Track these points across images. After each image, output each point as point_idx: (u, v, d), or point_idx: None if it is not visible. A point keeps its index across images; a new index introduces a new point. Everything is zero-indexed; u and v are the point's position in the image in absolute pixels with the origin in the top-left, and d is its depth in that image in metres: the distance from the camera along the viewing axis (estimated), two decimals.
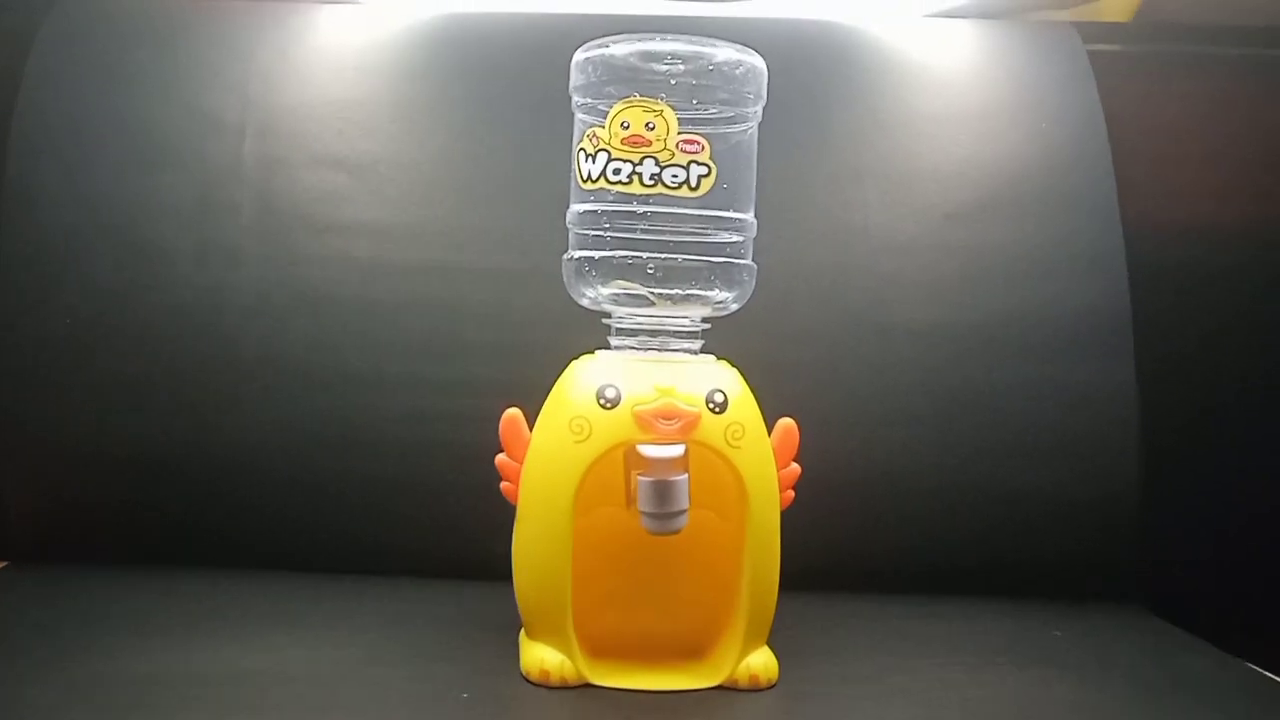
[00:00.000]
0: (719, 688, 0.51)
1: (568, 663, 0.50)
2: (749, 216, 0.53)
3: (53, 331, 0.68)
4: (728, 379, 0.52)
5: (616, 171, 0.50)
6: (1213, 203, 0.81)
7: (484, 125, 0.75)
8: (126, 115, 0.73)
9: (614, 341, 0.53)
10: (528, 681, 0.51)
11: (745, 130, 0.52)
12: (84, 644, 0.53)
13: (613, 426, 0.49)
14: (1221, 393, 0.80)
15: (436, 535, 0.69)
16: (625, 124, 0.49)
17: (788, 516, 0.53)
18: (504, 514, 0.54)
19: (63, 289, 0.69)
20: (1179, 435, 0.77)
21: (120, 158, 0.72)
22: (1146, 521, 0.71)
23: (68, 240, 0.70)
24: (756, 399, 0.53)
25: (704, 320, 0.54)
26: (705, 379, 0.51)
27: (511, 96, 0.76)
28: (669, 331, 0.52)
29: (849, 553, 0.69)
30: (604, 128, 0.50)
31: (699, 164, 0.49)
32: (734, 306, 0.53)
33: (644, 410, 0.49)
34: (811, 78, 0.78)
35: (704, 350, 0.54)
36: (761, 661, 0.52)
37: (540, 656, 0.51)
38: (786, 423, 0.54)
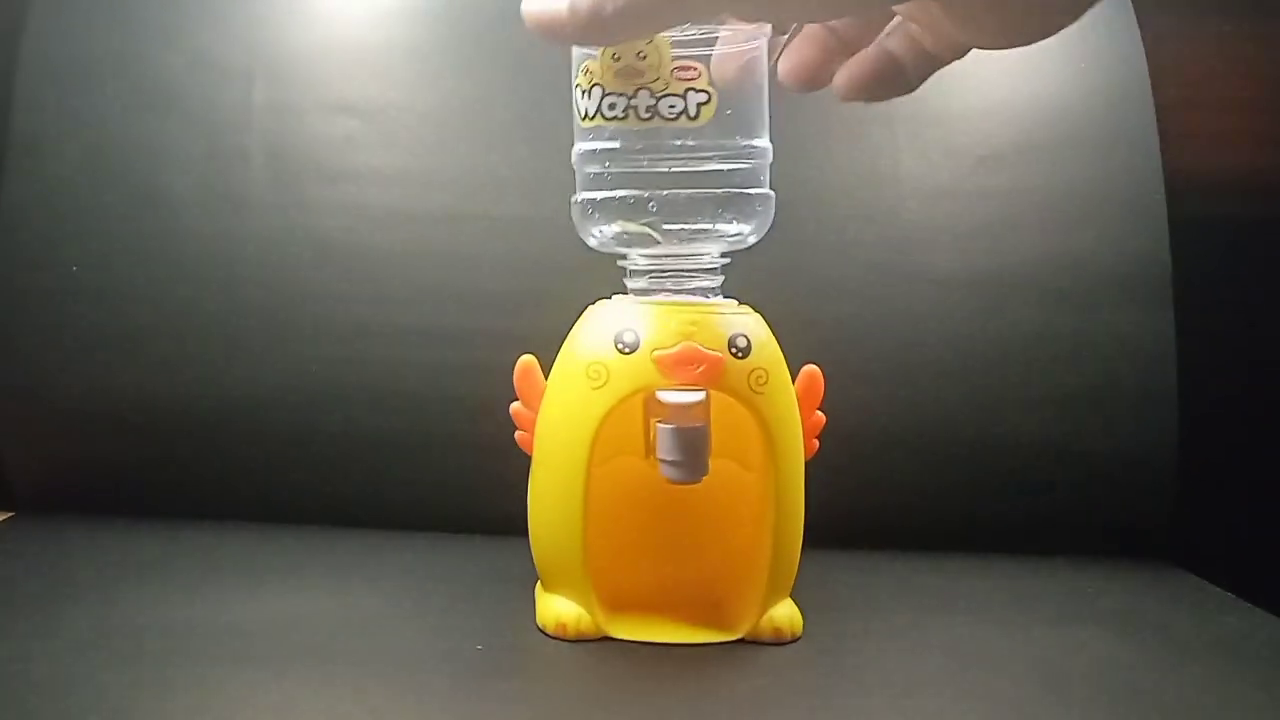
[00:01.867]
0: (741, 641, 0.50)
1: (585, 615, 0.49)
2: (760, 143, 0.50)
3: (59, 281, 0.67)
4: (751, 323, 0.50)
5: (612, 106, 0.47)
6: (1255, 148, 0.78)
7: (497, 68, 0.72)
8: (132, 62, 0.71)
9: (629, 285, 0.51)
10: (544, 634, 0.49)
11: (749, 50, 0.48)
12: (93, 595, 0.52)
13: (632, 372, 0.48)
14: (1263, 346, 0.77)
15: (450, 489, 0.67)
16: (616, 56, 0.46)
17: (810, 469, 0.51)
18: (519, 467, 0.52)
19: (69, 239, 0.68)
20: (1219, 389, 0.74)
21: (127, 105, 0.70)
22: (1184, 477, 0.69)
23: (74, 189, 0.68)
24: (781, 349, 0.51)
25: (722, 256, 0.51)
26: (727, 323, 0.49)
27: (524, 38, 0.73)
28: (685, 271, 0.50)
29: (874, 506, 0.67)
30: (596, 60, 0.47)
31: (697, 91, 0.47)
32: (752, 239, 0.50)
33: (664, 355, 0.47)
34: None
35: (725, 297, 0.52)
36: (785, 614, 0.50)
37: (557, 609, 0.49)
38: (811, 369, 0.52)
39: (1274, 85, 0.78)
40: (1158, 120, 0.71)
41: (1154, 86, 0.72)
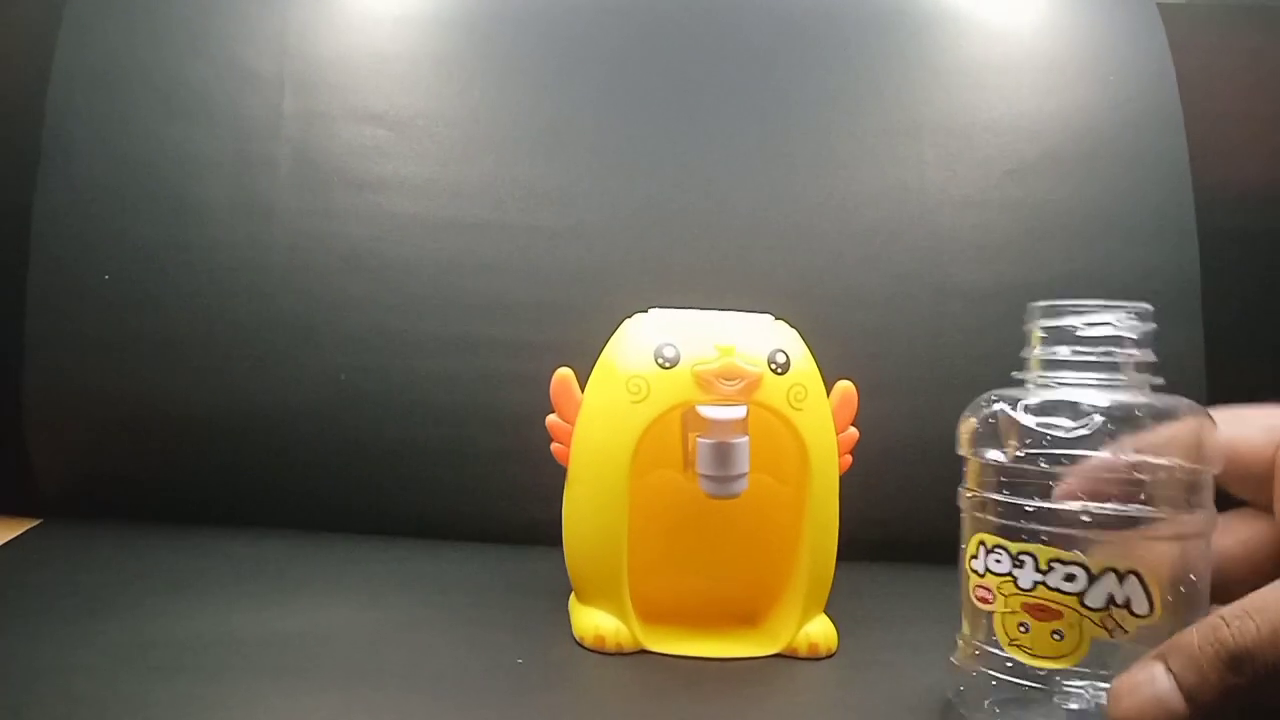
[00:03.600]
0: (778, 655, 0.50)
1: (623, 629, 0.49)
2: None
3: (90, 288, 0.67)
4: (787, 339, 0.51)
5: None
6: None
7: (525, 77, 0.73)
8: (162, 70, 0.71)
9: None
10: (582, 647, 0.49)
11: None
12: (124, 605, 0.51)
13: (672, 386, 0.48)
14: None
15: (479, 499, 0.67)
16: None
17: (843, 483, 0.51)
18: (548, 478, 0.52)
19: (99, 245, 0.68)
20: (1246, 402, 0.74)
21: (157, 113, 0.70)
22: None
23: (104, 196, 0.69)
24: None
25: None
26: (766, 339, 0.49)
27: (553, 47, 0.73)
28: None
29: (904, 521, 0.67)
30: None
31: None
32: None
33: (705, 370, 0.47)
34: (865, 27, 0.75)
35: (753, 310, 0.52)
36: (821, 629, 0.50)
37: (595, 622, 0.49)
38: (845, 385, 0.52)
39: None
40: (1187, 133, 0.72)
41: (1182, 99, 0.72)
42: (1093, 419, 0.40)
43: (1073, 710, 0.41)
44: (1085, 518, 0.39)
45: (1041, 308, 0.43)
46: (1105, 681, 0.39)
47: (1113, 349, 0.42)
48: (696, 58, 0.74)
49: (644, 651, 0.49)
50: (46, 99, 0.69)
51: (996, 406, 0.43)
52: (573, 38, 0.74)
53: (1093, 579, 0.39)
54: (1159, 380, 0.43)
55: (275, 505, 0.67)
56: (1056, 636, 0.39)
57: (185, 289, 0.68)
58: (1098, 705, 0.41)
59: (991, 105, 0.73)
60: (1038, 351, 0.43)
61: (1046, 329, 0.43)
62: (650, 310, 0.52)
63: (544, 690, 0.45)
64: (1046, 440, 0.41)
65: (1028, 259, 0.70)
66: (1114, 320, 0.42)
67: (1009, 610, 0.39)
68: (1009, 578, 0.39)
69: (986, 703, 0.42)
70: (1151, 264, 0.70)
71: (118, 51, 0.71)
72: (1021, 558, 0.39)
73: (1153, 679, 0.36)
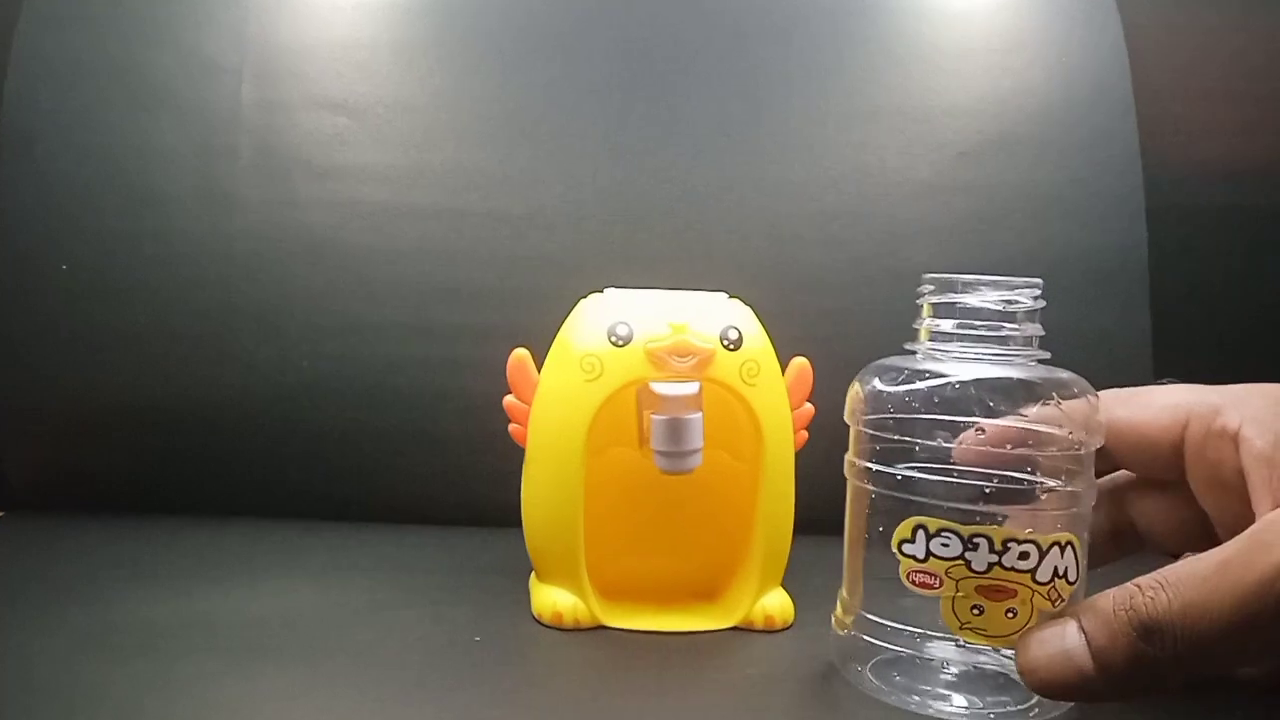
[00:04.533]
0: (734, 629, 0.51)
1: (581, 605, 0.50)
2: None
3: (50, 279, 0.67)
4: (741, 316, 0.51)
5: None
6: (1237, 140, 0.79)
7: (485, 64, 0.73)
8: (121, 60, 0.70)
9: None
10: (540, 624, 0.50)
11: None
12: (86, 593, 0.52)
13: (625, 364, 0.48)
14: (1240, 339, 0.78)
15: (443, 483, 0.68)
16: None
17: (800, 459, 0.52)
18: (511, 461, 0.53)
19: (59, 237, 0.68)
20: (1194, 380, 0.75)
21: (117, 103, 0.70)
22: None
23: (64, 188, 0.68)
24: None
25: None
26: (719, 316, 0.50)
27: (512, 32, 0.74)
28: None
29: None
30: None
31: None
32: None
33: (657, 347, 0.48)
34: (824, 12, 0.76)
35: (713, 290, 0.53)
36: (777, 603, 0.51)
37: (553, 599, 0.50)
38: (800, 361, 0.53)
39: (1257, 75, 0.78)
40: (1137, 112, 0.73)
41: (1134, 78, 0.73)
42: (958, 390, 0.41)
43: (953, 674, 0.42)
44: (988, 489, 0.40)
45: (932, 280, 0.44)
46: (945, 638, 0.41)
47: (1000, 323, 0.42)
48: (656, 43, 0.74)
49: (602, 627, 0.50)
50: (4, 90, 0.69)
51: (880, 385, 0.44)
52: (532, 24, 0.74)
53: (1043, 554, 0.40)
54: (1046, 355, 0.43)
55: (239, 493, 0.67)
56: (1010, 614, 0.40)
57: (147, 279, 0.68)
58: (975, 667, 0.42)
59: (948, 88, 0.74)
60: (926, 323, 0.44)
61: (936, 302, 0.43)
62: (606, 290, 0.53)
63: (501, 666, 0.46)
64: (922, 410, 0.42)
65: (981, 241, 0.71)
66: (1001, 294, 0.42)
67: (960, 594, 0.40)
68: (960, 561, 0.40)
69: (860, 668, 0.44)
70: (1101, 243, 0.71)
71: (77, 42, 0.71)
72: (975, 540, 0.40)
73: (1064, 634, 0.37)
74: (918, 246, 0.71)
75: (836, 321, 0.69)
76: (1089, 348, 0.70)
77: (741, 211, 0.71)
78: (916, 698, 0.41)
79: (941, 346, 0.43)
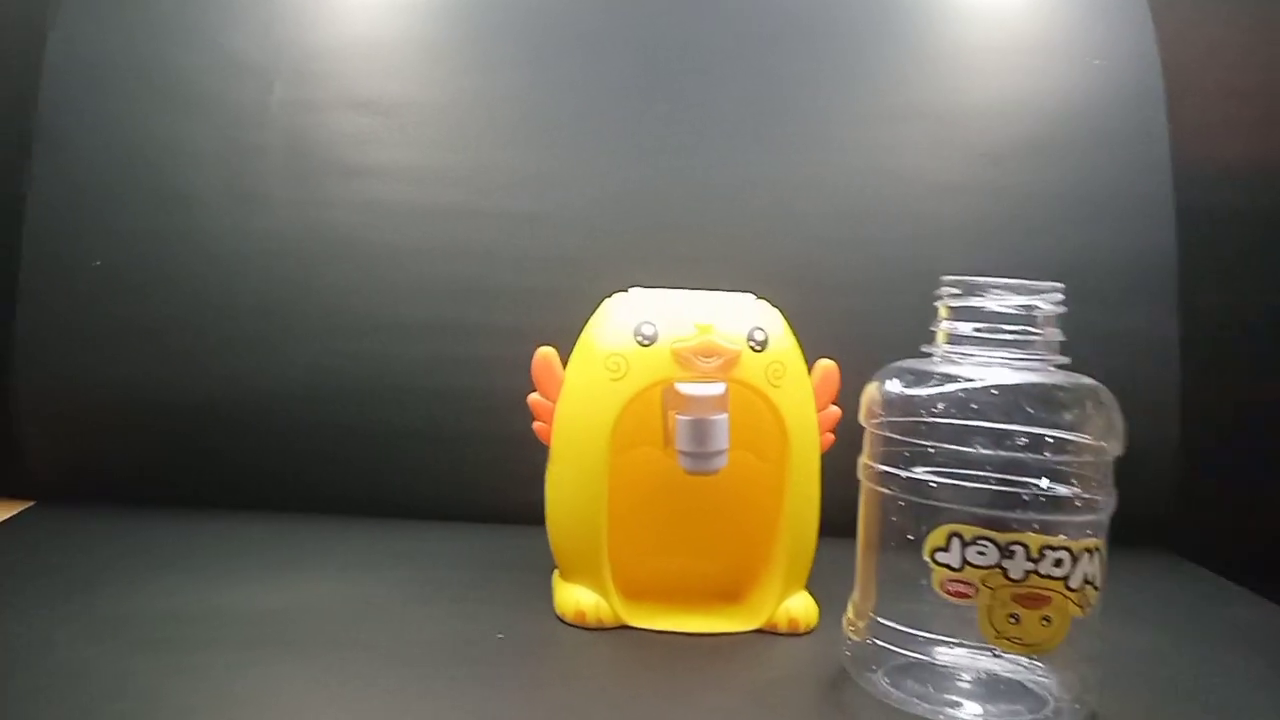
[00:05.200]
0: (757, 631, 0.50)
1: (604, 604, 0.50)
2: None
3: (81, 275, 0.68)
4: (768, 317, 0.51)
5: None
6: (1270, 143, 0.77)
7: (513, 64, 0.73)
8: (153, 60, 0.71)
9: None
10: (563, 622, 0.50)
11: None
12: (108, 583, 0.52)
13: (651, 364, 0.48)
14: (1270, 341, 0.77)
15: (463, 479, 0.68)
16: None
17: (826, 462, 0.51)
18: (531, 459, 0.53)
19: (91, 233, 0.68)
20: (1221, 380, 0.74)
21: (149, 103, 0.70)
22: (1186, 471, 0.69)
23: (95, 186, 0.69)
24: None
25: None
26: (745, 316, 0.50)
27: (537, 32, 0.74)
28: None
29: None
30: None
31: None
32: None
33: (683, 347, 0.48)
34: (850, 10, 0.75)
35: (737, 290, 0.52)
36: (801, 605, 0.51)
37: (576, 598, 0.50)
38: (827, 363, 0.53)
39: None
40: (1169, 113, 0.72)
41: (1165, 79, 0.72)
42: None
43: (966, 682, 0.42)
44: (1025, 497, 0.40)
45: (952, 282, 0.43)
46: (982, 651, 0.40)
47: (1023, 327, 0.42)
48: (681, 42, 0.74)
49: (625, 627, 0.50)
50: (39, 90, 0.70)
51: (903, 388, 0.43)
52: (559, 24, 0.74)
53: (1075, 560, 0.39)
54: (1066, 360, 0.43)
55: (262, 487, 0.68)
56: (1045, 622, 0.40)
57: (174, 277, 0.68)
58: (987, 674, 0.41)
59: (976, 89, 0.73)
60: (944, 326, 0.43)
61: (956, 305, 0.43)
62: (631, 290, 0.53)
63: (522, 664, 0.46)
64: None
65: (1009, 243, 0.70)
66: (1023, 299, 0.42)
67: (997, 603, 0.40)
68: (996, 569, 0.39)
69: (873, 673, 0.43)
70: (1131, 244, 0.71)
71: (109, 43, 0.71)
72: (1012, 548, 0.39)
73: None
74: (946, 248, 0.71)
75: (864, 323, 0.69)
76: (1118, 350, 0.69)
77: (767, 212, 0.71)
78: (930, 705, 0.41)
79: (960, 350, 0.43)
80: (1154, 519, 0.70)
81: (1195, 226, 0.71)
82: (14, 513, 0.65)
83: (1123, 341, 0.70)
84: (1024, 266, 0.70)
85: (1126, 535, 0.67)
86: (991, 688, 0.42)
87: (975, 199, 0.71)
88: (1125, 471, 0.68)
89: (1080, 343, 0.68)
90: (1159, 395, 0.70)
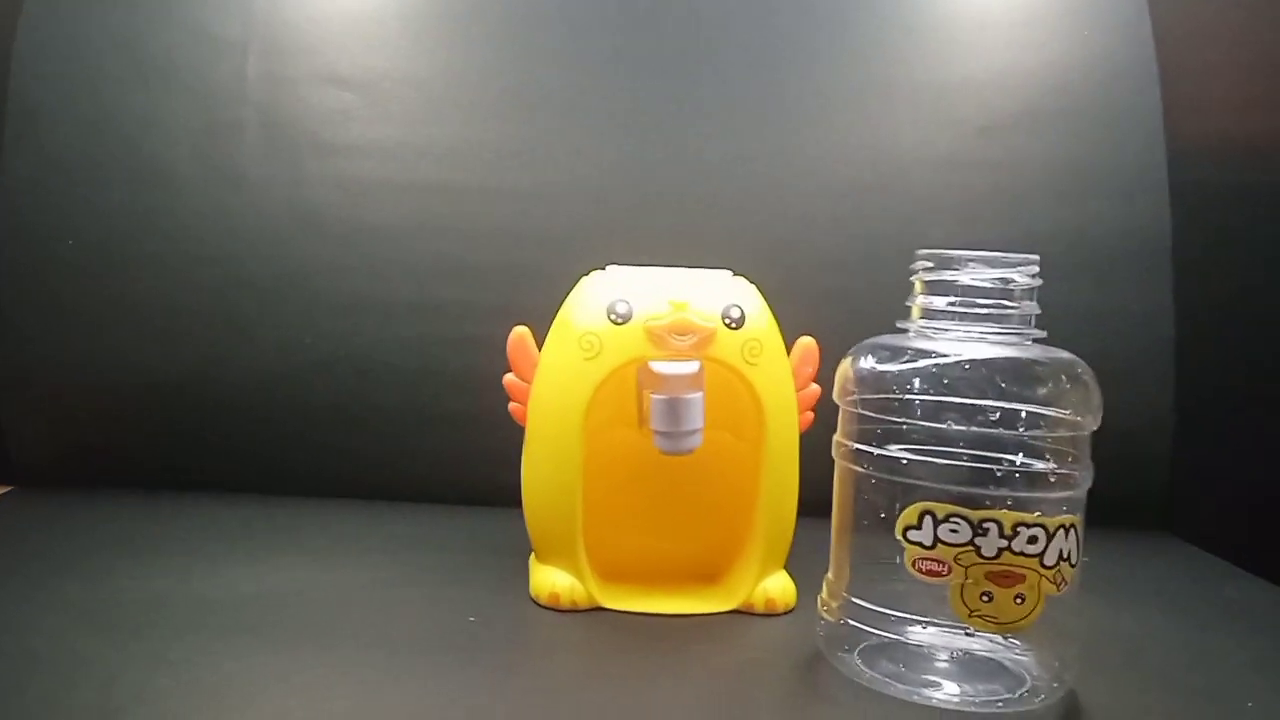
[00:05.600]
0: (734, 612, 0.50)
1: (578, 586, 0.49)
2: None
3: (56, 254, 0.67)
4: (745, 294, 0.50)
5: None
6: (1263, 118, 0.76)
7: (493, 38, 0.72)
8: (128, 35, 0.70)
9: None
10: (537, 605, 0.49)
11: None
12: (89, 568, 0.52)
13: (624, 342, 0.47)
14: (1264, 316, 0.76)
15: (444, 461, 0.67)
16: None
17: (807, 441, 0.50)
18: (513, 441, 0.52)
19: (66, 212, 0.68)
20: (1216, 359, 0.73)
21: (122, 79, 0.69)
22: (1181, 446, 0.68)
23: (71, 163, 0.68)
24: (777, 322, 0.50)
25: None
26: (721, 294, 0.49)
27: (521, 7, 0.73)
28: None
29: None
30: None
31: None
32: None
33: (656, 325, 0.47)
34: None
35: (719, 268, 0.51)
36: (779, 586, 0.50)
37: (550, 579, 0.49)
38: (806, 341, 0.52)
39: None
40: (1161, 87, 0.70)
41: (1158, 53, 0.71)
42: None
43: (943, 662, 0.41)
44: (999, 473, 0.39)
45: (926, 256, 0.42)
46: (956, 630, 0.40)
47: (999, 300, 0.41)
48: (664, 16, 0.73)
49: (600, 609, 0.49)
50: (11, 66, 0.69)
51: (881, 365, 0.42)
52: None
53: (1050, 537, 0.39)
54: (1042, 334, 0.42)
55: (242, 470, 0.67)
56: (1018, 600, 0.39)
57: (153, 255, 0.67)
58: (964, 653, 0.41)
59: (966, 62, 0.72)
60: (919, 301, 0.42)
61: (931, 279, 0.42)
62: (608, 267, 0.52)
63: (494, 647, 0.45)
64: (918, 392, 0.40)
65: (1001, 217, 0.69)
66: (998, 272, 0.41)
67: (970, 581, 0.39)
68: (969, 547, 0.39)
69: (847, 654, 0.43)
70: (1123, 219, 0.69)
71: (83, 18, 0.70)
72: (985, 525, 0.39)
73: None
74: (934, 224, 0.69)
75: (849, 301, 0.67)
76: (1110, 324, 0.69)
77: (751, 188, 0.70)
78: (906, 685, 0.40)
79: (936, 324, 0.42)
80: (1150, 498, 0.69)
81: (1189, 202, 0.70)
82: None
83: (1116, 318, 0.69)
84: (1015, 242, 0.68)
85: (1122, 515, 0.67)
86: (968, 667, 0.41)
87: (965, 173, 0.70)
88: (1120, 451, 0.67)
89: (1073, 319, 0.67)
90: (1154, 373, 0.69)
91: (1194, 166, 0.72)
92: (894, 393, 0.41)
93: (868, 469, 0.41)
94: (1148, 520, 0.69)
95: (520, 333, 0.51)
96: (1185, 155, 0.71)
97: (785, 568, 0.51)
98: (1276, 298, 0.74)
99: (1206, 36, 0.75)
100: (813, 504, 0.50)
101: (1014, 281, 0.41)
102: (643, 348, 0.47)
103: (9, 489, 0.67)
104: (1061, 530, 0.39)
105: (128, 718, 0.36)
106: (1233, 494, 0.76)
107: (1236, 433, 0.76)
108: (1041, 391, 0.40)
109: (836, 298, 0.67)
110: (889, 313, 0.70)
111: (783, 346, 0.50)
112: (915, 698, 0.40)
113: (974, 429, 0.39)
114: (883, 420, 0.41)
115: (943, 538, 0.39)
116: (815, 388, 0.52)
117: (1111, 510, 0.66)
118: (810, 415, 0.52)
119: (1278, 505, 0.75)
